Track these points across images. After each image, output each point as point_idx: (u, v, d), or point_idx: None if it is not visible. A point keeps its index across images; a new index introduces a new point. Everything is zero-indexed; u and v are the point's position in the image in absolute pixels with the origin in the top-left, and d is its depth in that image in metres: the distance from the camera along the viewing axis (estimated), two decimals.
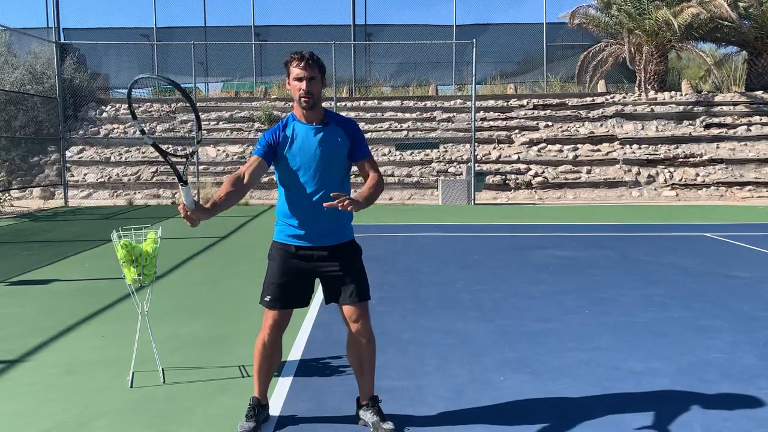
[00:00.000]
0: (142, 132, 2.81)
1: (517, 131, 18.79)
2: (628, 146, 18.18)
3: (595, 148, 18.24)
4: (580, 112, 19.25)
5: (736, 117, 18.74)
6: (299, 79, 2.85)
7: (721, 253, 8.23)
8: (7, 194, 14.67)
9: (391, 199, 16.79)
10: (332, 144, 2.94)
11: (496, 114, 19.39)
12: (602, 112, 19.16)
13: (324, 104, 3.06)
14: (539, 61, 22.64)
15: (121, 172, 17.96)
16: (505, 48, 22.91)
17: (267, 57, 22.64)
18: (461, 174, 17.18)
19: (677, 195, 16.97)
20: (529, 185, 17.42)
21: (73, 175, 17.67)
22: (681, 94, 19.47)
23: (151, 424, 3.13)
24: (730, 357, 4.11)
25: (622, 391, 3.55)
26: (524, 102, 19.70)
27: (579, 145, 18.33)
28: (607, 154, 18.02)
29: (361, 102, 20.00)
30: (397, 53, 22.39)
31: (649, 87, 19.85)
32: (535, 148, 18.31)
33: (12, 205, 14.60)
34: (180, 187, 2.69)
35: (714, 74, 20.16)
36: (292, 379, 3.74)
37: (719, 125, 18.59)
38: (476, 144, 16.99)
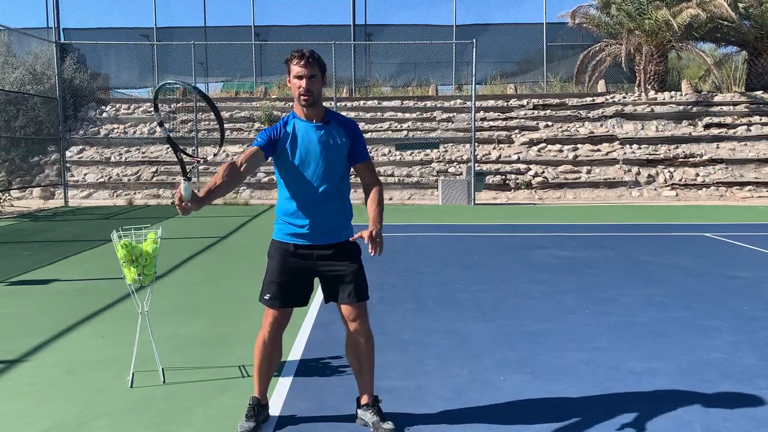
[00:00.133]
0: (161, 124, 2.81)
1: (517, 131, 18.79)
2: (628, 146, 18.18)
3: (595, 148, 18.24)
4: (580, 112, 19.25)
5: (736, 117, 18.74)
6: (299, 77, 2.85)
7: (721, 253, 8.23)
8: (7, 194, 14.67)
9: (391, 199, 16.79)
10: (332, 142, 2.95)
11: (496, 114, 19.39)
12: (602, 112, 19.16)
13: (324, 104, 3.06)
14: (539, 61, 22.65)
15: (121, 172, 17.96)
16: (505, 48, 22.92)
17: (267, 57, 22.64)
18: (461, 174, 17.18)
19: (677, 195, 16.97)
20: (529, 185, 17.42)
21: (73, 175, 17.67)
22: (681, 94, 19.47)
23: (151, 424, 3.13)
24: (730, 357, 4.11)
25: (622, 391, 3.55)
26: (524, 102, 19.70)
27: (579, 145, 18.33)
28: (607, 154, 18.02)
29: (361, 102, 20.00)
30: (397, 53, 22.39)
31: (649, 87, 19.85)
32: (535, 148, 18.31)
33: (12, 205, 14.60)
34: (182, 180, 2.69)
35: (714, 74, 20.16)
36: (292, 379, 3.74)
37: (719, 125, 18.59)
38: (476, 144, 16.99)
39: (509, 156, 18.09)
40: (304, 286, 3.04)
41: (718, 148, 18.05)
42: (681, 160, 17.77)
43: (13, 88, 17.68)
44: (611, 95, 19.79)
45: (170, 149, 2.86)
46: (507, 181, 17.50)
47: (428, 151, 18.04)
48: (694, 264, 7.42)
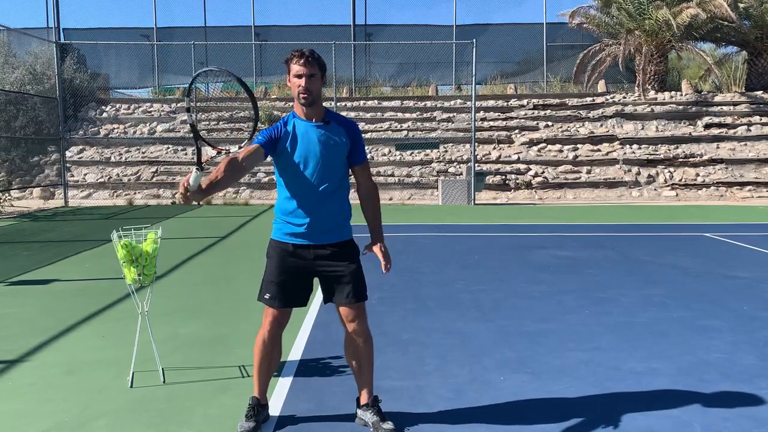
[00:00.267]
0: (188, 110, 2.80)
1: (517, 131, 18.79)
2: (628, 146, 18.18)
3: (595, 148, 18.24)
4: (580, 112, 19.25)
5: (736, 117, 18.74)
6: (299, 76, 2.85)
7: (721, 253, 8.23)
8: (7, 194, 14.67)
9: (391, 199, 16.80)
10: (333, 142, 2.95)
11: (496, 114, 19.39)
12: (602, 112, 19.16)
13: (324, 104, 3.06)
14: (539, 61, 22.65)
15: (121, 172, 17.96)
16: (505, 48, 22.91)
17: (267, 57, 22.64)
18: (461, 174, 17.18)
19: (677, 195, 16.97)
20: (529, 185, 17.42)
21: (73, 175, 17.67)
22: (681, 94, 19.47)
23: (151, 424, 3.13)
24: (730, 357, 4.11)
25: (622, 391, 3.55)
26: (524, 102, 19.70)
27: (579, 145, 18.33)
28: (607, 154, 18.02)
29: (361, 102, 20.00)
30: (397, 53, 22.39)
31: (649, 87, 19.86)
32: (535, 148, 18.31)
33: (12, 205, 14.60)
34: (194, 169, 2.68)
35: (714, 74, 20.16)
36: (292, 379, 3.74)
37: (719, 125, 18.59)
38: (476, 144, 16.99)
39: (509, 156, 18.10)
40: (303, 286, 3.04)
41: (718, 148, 18.06)
42: (681, 160, 17.77)
43: (13, 88, 17.68)
44: (611, 95, 19.79)
45: (199, 137, 2.84)
46: (507, 181, 17.50)
47: (428, 151, 18.04)
48: (694, 264, 7.42)
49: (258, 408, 3.09)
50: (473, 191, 15.82)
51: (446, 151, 18.23)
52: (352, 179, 3.12)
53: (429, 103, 19.75)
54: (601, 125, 18.91)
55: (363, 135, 3.13)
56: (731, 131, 18.40)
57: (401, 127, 18.92)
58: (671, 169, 17.66)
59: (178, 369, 3.88)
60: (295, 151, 2.92)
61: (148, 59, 22.65)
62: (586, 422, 3.15)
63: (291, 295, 3.01)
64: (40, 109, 18.22)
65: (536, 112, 19.31)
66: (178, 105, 19.84)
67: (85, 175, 17.90)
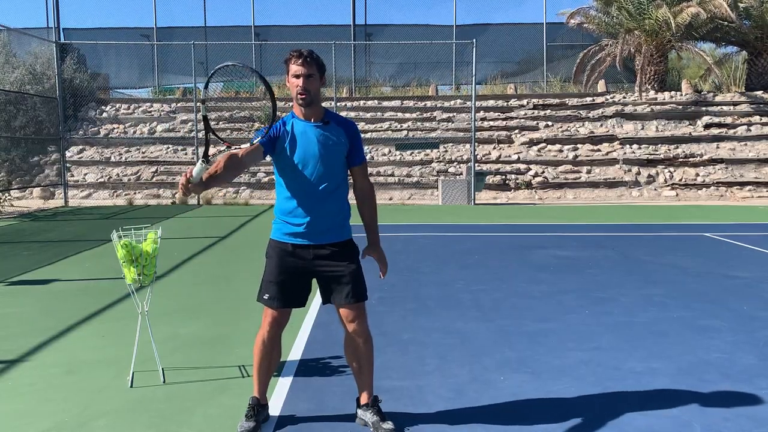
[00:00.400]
0: (203, 101, 2.80)
1: (517, 131, 18.79)
2: (628, 146, 18.18)
3: (595, 148, 18.24)
4: (580, 112, 19.25)
5: (736, 117, 18.74)
6: (297, 77, 2.86)
7: (721, 253, 8.23)
8: (7, 194, 14.67)
9: (391, 199, 16.79)
10: (332, 142, 2.95)
11: (496, 114, 19.39)
12: (602, 112, 19.16)
13: (324, 104, 3.06)
14: (539, 61, 22.65)
15: (121, 172, 17.96)
16: (505, 48, 22.92)
17: (267, 57, 22.64)
18: (461, 174, 17.19)
19: (677, 195, 16.97)
20: (529, 185, 17.42)
21: (73, 175, 17.67)
22: (681, 94, 19.47)
23: (151, 424, 3.13)
24: (730, 357, 4.11)
25: (622, 390, 3.55)
26: (524, 102, 19.70)
27: (579, 145, 18.33)
28: (607, 154, 18.02)
29: (361, 102, 20.00)
30: (397, 53, 22.39)
31: (649, 87, 19.86)
32: (535, 148, 18.31)
33: (12, 205, 14.60)
34: (200, 161, 2.68)
35: (714, 74, 20.16)
36: (292, 379, 3.74)
37: (719, 125, 18.59)
38: (476, 144, 16.99)
39: (509, 156, 18.10)
40: (302, 286, 3.04)
41: (718, 148, 18.06)
42: (681, 160, 17.77)
43: (13, 88, 17.68)
44: (611, 95, 19.79)
45: (210, 129, 2.84)
46: (507, 181, 17.50)
47: (428, 151, 18.04)
48: (694, 264, 7.42)
49: (258, 408, 3.09)
50: (473, 191, 15.82)
51: (446, 151, 18.23)
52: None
53: (429, 103, 19.75)
54: (601, 125, 18.91)
55: (363, 135, 3.15)
56: (731, 131, 18.40)
57: (401, 127, 18.92)
58: (671, 169, 17.66)
59: (178, 369, 3.88)
60: (294, 151, 2.92)
61: (148, 59, 22.66)
62: (586, 422, 3.15)
63: (290, 295, 3.01)
64: (40, 109, 18.22)
65: (536, 112, 19.31)
66: (178, 105, 19.85)
67: (85, 175, 17.90)
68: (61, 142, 16.95)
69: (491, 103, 19.74)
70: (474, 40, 16.69)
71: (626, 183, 17.37)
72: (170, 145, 18.73)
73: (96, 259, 7.87)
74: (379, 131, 18.71)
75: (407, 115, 19.31)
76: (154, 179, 17.71)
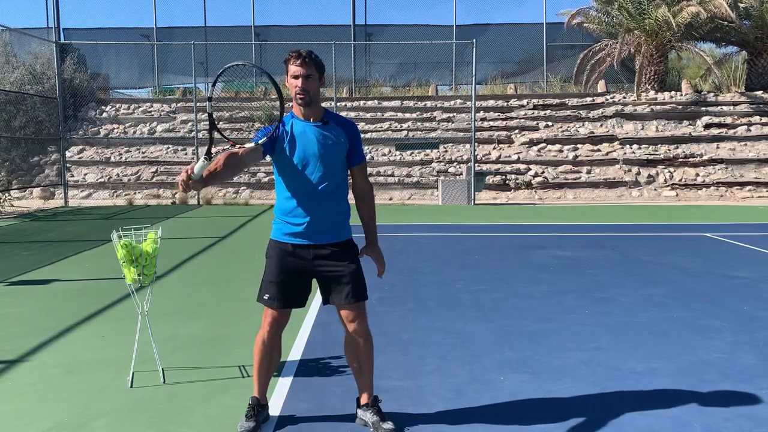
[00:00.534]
0: (209, 99, 2.80)
1: (517, 131, 18.79)
2: (628, 146, 18.18)
3: (595, 148, 18.24)
4: (580, 112, 19.25)
5: (736, 117, 18.74)
6: (296, 77, 2.87)
7: (721, 253, 8.23)
8: (7, 194, 14.67)
9: (391, 199, 16.79)
10: (331, 142, 2.95)
11: (496, 114, 19.39)
12: (602, 112, 19.16)
13: (324, 104, 3.07)
14: (539, 61, 22.65)
15: (121, 172, 17.97)
16: (505, 48, 22.91)
17: (267, 57, 22.64)
18: (461, 174, 17.19)
19: (677, 195, 16.97)
20: (529, 185, 17.42)
21: (73, 175, 17.67)
22: (681, 94, 19.47)
23: (151, 424, 3.13)
24: (730, 357, 4.11)
25: (622, 391, 3.55)
26: (524, 102, 19.70)
27: (579, 145, 18.33)
28: (607, 154, 18.02)
29: (361, 102, 20.00)
30: (397, 53, 22.39)
31: (649, 87, 19.86)
32: (535, 148, 18.31)
33: (12, 205, 14.60)
34: (202, 158, 2.68)
35: (714, 74, 20.16)
36: (292, 379, 3.74)
37: (719, 125, 18.59)
38: (476, 144, 16.99)
39: (509, 156, 18.10)
40: (302, 286, 3.04)
41: (718, 148, 18.05)
42: (681, 160, 17.77)
43: (13, 88, 17.68)
44: (611, 95, 19.79)
45: (214, 127, 2.84)
46: (507, 181, 17.50)
47: (428, 151, 18.04)
48: (694, 264, 7.42)
49: (258, 408, 3.09)
50: (473, 191, 15.82)
51: (446, 151, 18.23)
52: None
53: (429, 103, 19.75)
54: (601, 125, 18.91)
55: (363, 135, 3.16)
56: (731, 131, 18.40)
57: (401, 127, 18.92)
58: (671, 169, 17.66)
59: (178, 369, 3.88)
60: (293, 151, 2.92)
61: (148, 59, 22.66)
62: (586, 422, 3.15)
63: (290, 295, 3.01)
64: (40, 109, 18.22)
65: (536, 112, 19.31)
66: (178, 105, 19.84)
67: (85, 175, 17.91)
68: (61, 142, 16.95)
69: (491, 103, 19.74)
70: (474, 40, 16.69)
71: (626, 183, 17.37)
72: (170, 145, 18.73)
73: (96, 259, 7.87)
74: (379, 131, 18.71)
75: (407, 115, 19.31)
76: (154, 179, 17.71)
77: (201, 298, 5.87)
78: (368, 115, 19.22)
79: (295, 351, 4.24)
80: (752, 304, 5.49)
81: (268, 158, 2.96)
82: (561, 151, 18.18)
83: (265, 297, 3.01)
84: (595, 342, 4.44)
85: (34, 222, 12.29)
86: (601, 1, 20.41)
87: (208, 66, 22.82)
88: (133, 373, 3.64)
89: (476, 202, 15.87)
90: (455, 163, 17.84)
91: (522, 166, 17.79)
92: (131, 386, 3.60)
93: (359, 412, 3.14)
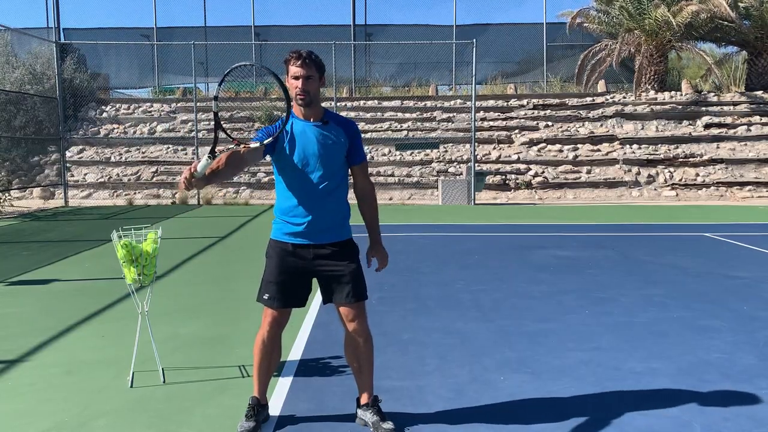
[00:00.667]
0: (215, 98, 2.81)
1: (517, 131, 18.79)
2: (628, 146, 18.18)
3: (595, 148, 18.24)
4: (580, 112, 19.25)
5: (736, 117, 18.74)
6: (296, 78, 2.87)
7: (721, 253, 8.23)
8: (7, 194, 14.67)
9: (391, 199, 16.79)
10: (331, 141, 2.95)
11: (496, 114, 19.39)
12: (602, 112, 19.16)
13: (324, 104, 3.07)
14: (539, 61, 22.65)
15: (121, 172, 17.97)
16: (505, 48, 22.92)
17: (267, 57, 22.64)
18: (461, 174, 17.19)
19: (677, 195, 16.97)
20: (529, 185, 17.42)
21: (73, 175, 17.67)
22: (681, 94, 19.47)
23: (151, 424, 3.13)
24: (730, 357, 4.11)
25: (622, 391, 3.55)
26: (524, 102, 19.71)
27: (579, 145, 18.34)
28: (607, 154, 18.03)
29: (361, 102, 20.00)
30: (397, 53, 22.39)
31: (649, 87, 19.86)
32: (535, 148, 18.31)
33: (12, 205, 14.60)
34: (206, 156, 2.68)
35: (714, 74, 20.17)
36: (292, 379, 3.74)
37: (719, 125, 18.60)
38: (476, 144, 16.99)
39: (509, 156, 18.10)
40: (302, 286, 3.04)
41: (718, 148, 18.06)
42: (681, 160, 17.77)
43: (13, 88, 17.68)
44: (611, 95, 19.79)
45: (219, 126, 2.84)
46: (507, 181, 17.50)
47: (428, 151, 18.04)
48: (694, 264, 7.42)
49: (258, 408, 3.09)
50: (473, 191, 15.82)
51: (446, 151, 18.23)
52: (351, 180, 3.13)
53: (429, 103, 19.75)
54: (601, 125, 18.91)
55: (363, 135, 3.15)
56: (731, 131, 18.40)
57: (401, 127, 18.92)
58: (671, 169, 17.66)
59: (178, 369, 3.88)
60: (293, 151, 2.92)
61: (148, 59, 22.66)
62: (586, 422, 3.15)
63: (290, 295, 3.01)
64: (40, 108, 18.22)
65: (536, 112, 19.31)
66: (178, 105, 19.84)
67: (85, 175, 17.91)
68: (61, 142, 16.95)
69: (491, 103, 19.74)
70: (474, 40, 16.69)
71: (626, 183, 17.37)
72: (170, 145, 18.73)
73: (96, 259, 7.87)
74: (379, 131, 18.71)
75: (407, 115, 19.31)
76: (154, 179, 17.71)
77: (201, 298, 5.87)
78: (368, 115, 19.22)
79: (295, 351, 4.24)
80: (752, 304, 5.49)
81: (268, 158, 2.96)
82: (561, 151, 18.18)
83: (265, 297, 3.01)
84: (595, 342, 4.44)
85: (34, 222, 12.29)
86: (601, 1, 20.41)
87: (208, 66, 22.83)
88: (133, 373, 3.64)
89: (476, 202, 15.87)
90: (455, 163, 17.84)
91: (522, 166, 17.79)
92: (131, 386, 3.60)
93: (359, 412, 3.14)
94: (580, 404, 3.37)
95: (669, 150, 17.99)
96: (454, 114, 19.31)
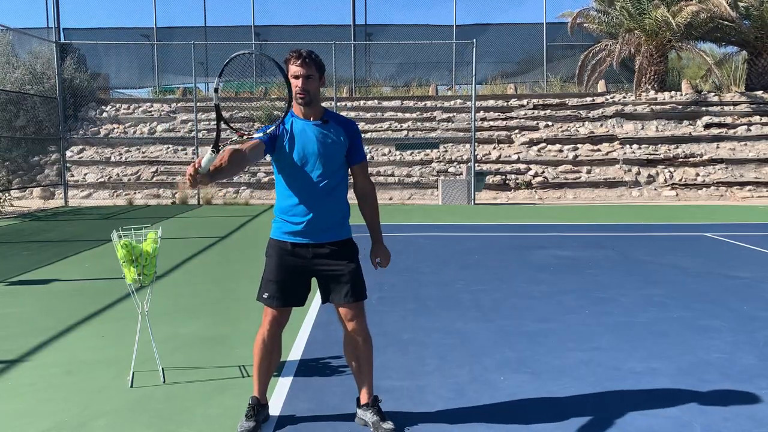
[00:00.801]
0: (216, 90, 2.81)
1: (517, 131, 18.79)
2: (628, 146, 18.18)
3: (595, 148, 18.24)
4: (580, 112, 19.25)
5: (736, 117, 18.74)
6: (296, 77, 2.87)
7: (721, 253, 8.23)
8: (7, 194, 14.67)
9: (391, 199, 16.79)
10: (330, 141, 2.95)
11: (496, 114, 19.39)
12: (602, 112, 19.16)
13: (324, 104, 3.07)
14: (539, 61, 22.65)
15: (121, 172, 17.97)
16: (505, 48, 22.92)
17: None
18: (461, 174, 17.19)
19: (677, 195, 16.97)
20: (529, 185, 17.42)
21: (73, 175, 17.67)
22: (681, 94, 19.47)
23: (151, 424, 3.13)
24: (730, 357, 4.11)
25: (622, 391, 3.55)
26: (524, 102, 19.70)
27: (579, 145, 18.33)
28: (607, 154, 18.02)
29: (361, 102, 20.00)
30: (397, 53, 22.39)
31: (649, 87, 19.86)
32: (535, 148, 18.31)
33: (12, 205, 14.60)
34: (210, 151, 2.67)
35: (714, 74, 20.17)
36: (292, 379, 3.74)
37: (719, 125, 18.60)
38: (476, 144, 16.99)
39: (509, 156, 18.10)
40: (302, 285, 3.04)
41: (718, 148, 18.05)
42: (681, 160, 17.77)
43: (13, 88, 17.68)
44: (611, 95, 19.79)
45: (221, 119, 2.83)
46: (507, 181, 17.50)
47: (428, 151, 18.04)
48: (694, 264, 7.42)
49: (258, 408, 3.09)
50: (473, 191, 15.82)
51: (446, 151, 18.23)
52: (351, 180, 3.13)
53: (429, 103, 19.75)
54: (601, 125, 18.91)
55: (363, 135, 3.15)
56: (731, 131, 18.40)
57: (401, 127, 18.92)
58: (671, 169, 17.66)
59: (178, 369, 3.88)
60: (293, 149, 2.93)
61: (148, 59, 22.66)
62: (586, 422, 3.15)
63: (290, 294, 3.01)
64: (40, 108, 18.23)
65: (536, 112, 19.31)
66: (178, 105, 19.84)
67: (85, 175, 17.91)
68: (61, 142, 16.95)
69: (491, 103, 19.74)
70: (474, 40, 16.68)
71: (626, 183, 17.37)
72: (170, 145, 18.73)
73: (96, 259, 7.87)
74: (379, 131, 18.71)
75: (407, 115, 19.31)
76: (154, 179, 17.71)
77: (201, 298, 5.87)
78: (368, 115, 19.22)
79: (295, 351, 4.24)
80: (752, 304, 5.49)
81: (268, 157, 2.96)
82: (561, 151, 18.18)
83: (265, 296, 3.01)
84: (595, 342, 4.44)
85: (34, 222, 12.29)
86: (601, 1, 20.41)
87: (208, 66, 22.82)
88: (133, 373, 3.64)
89: (476, 202, 15.87)
90: (455, 163, 17.84)
91: (522, 166, 17.79)
92: (131, 386, 3.60)
93: (359, 411, 3.14)
94: (580, 404, 3.37)
95: (669, 150, 17.99)
96: (454, 114, 19.31)
